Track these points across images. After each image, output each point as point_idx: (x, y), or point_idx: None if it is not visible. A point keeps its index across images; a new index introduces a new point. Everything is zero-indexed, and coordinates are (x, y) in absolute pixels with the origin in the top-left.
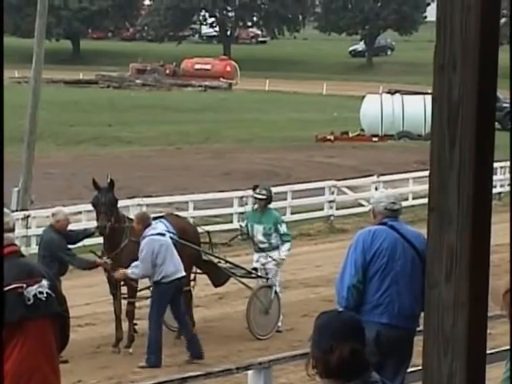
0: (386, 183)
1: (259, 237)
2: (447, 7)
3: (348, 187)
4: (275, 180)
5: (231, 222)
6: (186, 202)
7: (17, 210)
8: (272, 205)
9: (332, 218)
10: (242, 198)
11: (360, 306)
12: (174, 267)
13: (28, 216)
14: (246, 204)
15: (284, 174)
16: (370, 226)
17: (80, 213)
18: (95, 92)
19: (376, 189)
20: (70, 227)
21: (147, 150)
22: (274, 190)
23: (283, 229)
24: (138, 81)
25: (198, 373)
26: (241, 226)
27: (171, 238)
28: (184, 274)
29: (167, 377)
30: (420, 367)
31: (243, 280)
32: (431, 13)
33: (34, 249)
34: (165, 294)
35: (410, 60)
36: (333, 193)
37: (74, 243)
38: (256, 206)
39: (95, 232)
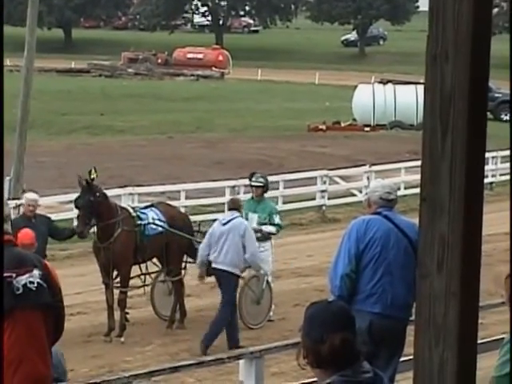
0: (378, 173)
1: (253, 226)
2: None
3: (340, 177)
4: (267, 169)
5: (223, 211)
6: (178, 191)
7: (8, 199)
8: (264, 194)
9: (324, 207)
10: (234, 187)
11: (353, 296)
12: (223, 258)
13: (19, 205)
14: (238, 193)
15: (276, 163)
16: (363, 215)
17: (71, 201)
18: (87, 81)
19: (368, 179)
20: (63, 216)
21: (139, 139)
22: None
23: (277, 220)
24: (130, 70)
25: (190, 362)
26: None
27: (161, 226)
28: (229, 269)
29: (159, 366)
30: (412, 357)
31: None
32: (424, 2)
33: None
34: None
35: (403, 50)
36: (325, 182)
37: (59, 239)
38: (253, 194)
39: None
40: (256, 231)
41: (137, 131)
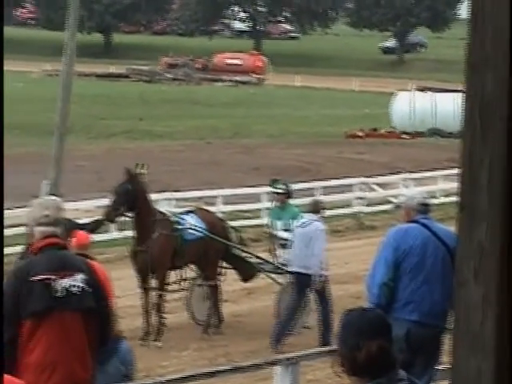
0: (416, 181)
1: (279, 233)
2: (480, 5)
3: (377, 184)
4: (305, 176)
5: (260, 217)
6: (215, 197)
7: None
8: (302, 201)
9: (361, 214)
10: (270, 193)
11: (391, 304)
12: (300, 261)
13: None
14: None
15: (314, 170)
16: (399, 223)
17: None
18: (126, 86)
19: (406, 186)
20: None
21: (177, 145)
22: (303, 186)
23: None
24: (168, 75)
25: (226, 367)
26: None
27: (200, 231)
28: (310, 272)
29: (195, 371)
30: (448, 365)
31: (272, 275)
32: (464, 10)
33: None
34: (292, 283)
35: (442, 57)
36: (362, 189)
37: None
38: (276, 202)
39: (104, 223)
40: (281, 239)
41: (175, 136)
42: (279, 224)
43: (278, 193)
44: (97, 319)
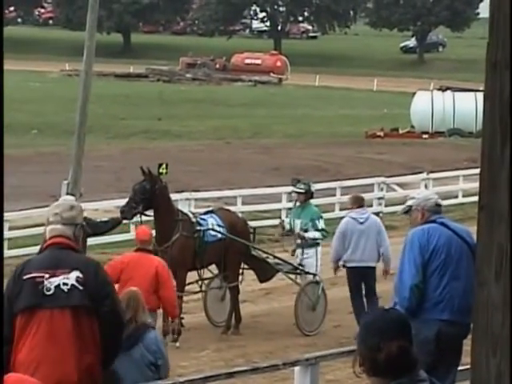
0: (436, 180)
1: (296, 231)
2: (500, 4)
3: (397, 184)
4: (324, 176)
5: (279, 217)
6: (235, 197)
7: None
8: (321, 201)
9: (381, 214)
10: (290, 193)
11: (420, 305)
12: (360, 255)
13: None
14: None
15: (333, 169)
16: (412, 225)
17: None
18: (145, 86)
19: (425, 186)
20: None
21: (196, 144)
22: (322, 186)
23: (321, 224)
24: (188, 75)
25: (245, 368)
26: (282, 220)
27: (221, 233)
28: (371, 265)
29: (214, 371)
30: (468, 366)
31: (291, 276)
32: (484, 9)
33: None
34: (349, 278)
35: (462, 57)
36: (382, 189)
37: (102, 233)
38: (297, 201)
39: (121, 221)
40: (299, 237)
41: (194, 136)
42: (298, 223)
43: (299, 192)
44: (91, 317)
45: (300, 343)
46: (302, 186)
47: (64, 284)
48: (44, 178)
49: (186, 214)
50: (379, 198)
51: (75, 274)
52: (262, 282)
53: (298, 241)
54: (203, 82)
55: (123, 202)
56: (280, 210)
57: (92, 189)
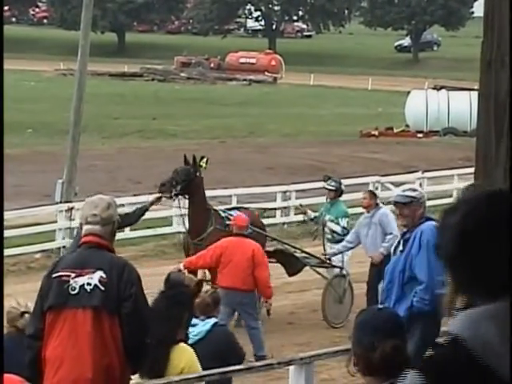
0: (431, 180)
1: (333, 226)
2: (495, 3)
3: (392, 183)
4: (319, 175)
5: (274, 216)
6: (230, 196)
7: (60, 202)
8: (315, 200)
9: None
10: (285, 192)
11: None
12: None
13: (72, 208)
14: (289, 199)
15: (328, 169)
16: (406, 221)
17: (123, 205)
18: (140, 85)
19: (420, 185)
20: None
21: (191, 144)
22: (317, 185)
23: (343, 223)
24: (182, 74)
25: (240, 367)
26: (315, 217)
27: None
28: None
29: (208, 370)
30: None
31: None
32: (478, 8)
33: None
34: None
35: (457, 56)
36: (377, 188)
37: (132, 223)
38: (327, 197)
39: (149, 207)
40: (322, 225)
41: (189, 135)
42: (326, 219)
43: (328, 189)
44: (113, 318)
45: (295, 342)
46: (333, 184)
47: (88, 284)
48: (39, 177)
49: (215, 209)
50: None
51: (99, 274)
52: (290, 275)
53: (328, 236)
54: (198, 81)
55: (117, 200)
56: (275, 209)
57: (87, 188)
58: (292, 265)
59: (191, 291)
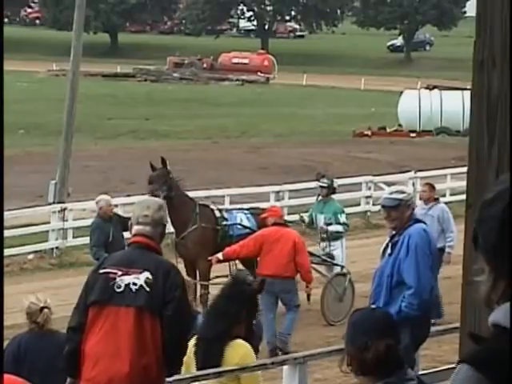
0: (424, 179)
1: (320, 225)
2: (487, 3)
3: (385, 183)
4: (312, 175)
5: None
6: (223, 196)
7: (53, 203)
8: (307, 200)
9: (369, 213)
10: (278, 192)
11: None
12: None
13: (65, 209)
14: (283, 199)
15: (321, 168)
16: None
17: (116, 206)
18: (133, 85)
19: (413, 185)
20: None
21: (184, 144)
22: (310, 185)
23: (343, 219)
24: (175, 74)
25: (233, 367)
26: (301, 216)
27: (248, 227)
28: None
29: (203, 370)
30: (454, 365)
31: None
32: (471, 8)
33: (71, 241)
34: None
35: (449, 55)
36: (370, 188)
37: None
38: (319, 195)
39: None
40: (322, 232)
41: (182, 136)
42: (321, 218)
43: (321, 186)
44: (155, 319)
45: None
46: (326, 181)
47: (133, 284)
48: (31, 177)
49: (207, 207)
50: (367, 197)
51: (145, 274)
52: None
53: (324, 235)
54: (191, 81)
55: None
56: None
57: (80, 189)
58: None
59: (252, 290)
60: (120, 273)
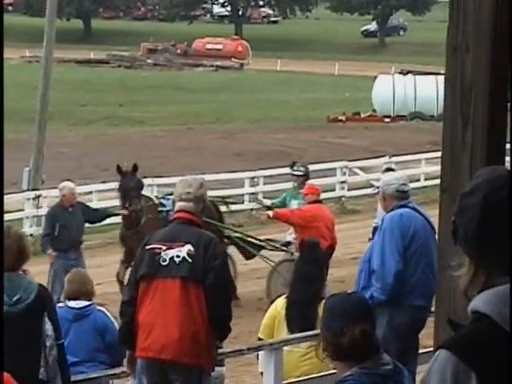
0: (398, 164)
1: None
2: None
3: (360, 168)
4: (287, 160)
5: (242, 202)
6: None
7: (28, 190)
8: (284, 185)
9: (343, 198)
10: (253, 178)
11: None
12: None
13: (39, 196)
14: (257, 184)
15: (296, 154)
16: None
17: (91, 193)
18: (106, 72)
19: (388, 170)
20: (95, 206)
21: (158, 130)
22: (284, 170)
23: None
24: (149, 60)
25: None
26: (272, 203)
27: None
28: None
29: None
30: (431, 349)
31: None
32: None
33: None
34: None
35: (423, 40)
36: (344, 173)
37: (95, 222)
38: (295, 183)
39: (118, 214)
40: None
41: (156, 122)
42: (295, 203)
43: (297, 175)
44: (199, 288)
45: None
46: (301, 169)
47: (177, 256)
48: (5, 165)
49: (148, 198)
50: (342, 182)
51: (187, 247)
52: (247, 259)
53: None
54: (164, 67)
55: (85, 188)
56: (243, 195)
57: (54, 175)
58: (246, 250)
59: (325, 252)
60: (164, 247)
